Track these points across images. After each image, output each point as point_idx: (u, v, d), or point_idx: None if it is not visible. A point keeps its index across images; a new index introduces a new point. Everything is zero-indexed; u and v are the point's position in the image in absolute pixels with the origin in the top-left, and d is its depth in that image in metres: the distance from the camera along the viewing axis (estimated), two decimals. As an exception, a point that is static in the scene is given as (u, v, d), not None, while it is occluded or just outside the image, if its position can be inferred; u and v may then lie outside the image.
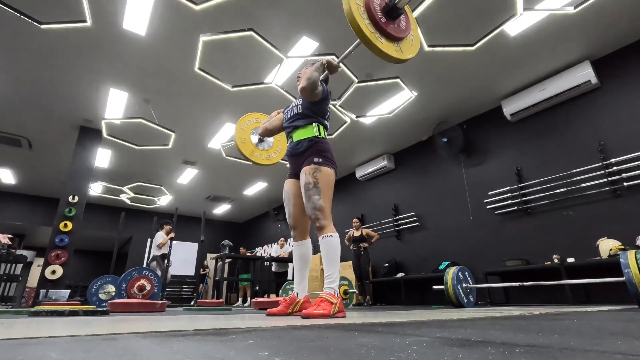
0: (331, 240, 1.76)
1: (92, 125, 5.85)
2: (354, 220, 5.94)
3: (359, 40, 1.70)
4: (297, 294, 1.95)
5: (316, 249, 8.44)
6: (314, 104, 2.04)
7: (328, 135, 2.13)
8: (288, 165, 2.16)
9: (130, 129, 5.87)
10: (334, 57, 2.04)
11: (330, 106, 2.24)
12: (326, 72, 2.06)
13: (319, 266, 6.98)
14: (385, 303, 6.17)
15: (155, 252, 6.06)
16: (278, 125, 2.28)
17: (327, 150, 1.97)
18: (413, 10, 3.50)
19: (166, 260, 6.32)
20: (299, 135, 2.01)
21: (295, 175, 2.06)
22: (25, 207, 9.23)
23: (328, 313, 1.57)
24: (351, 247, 5.83)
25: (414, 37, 1.91)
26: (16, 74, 4.59)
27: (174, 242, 6.46)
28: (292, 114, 2.11)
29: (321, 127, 2.02)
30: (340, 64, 2.07)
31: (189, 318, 1.72)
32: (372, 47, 1.65)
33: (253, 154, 2.53)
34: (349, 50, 2.00)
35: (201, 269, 6.45)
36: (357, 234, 5.83)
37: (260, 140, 2.58)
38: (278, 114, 2.38)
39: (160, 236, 6.25)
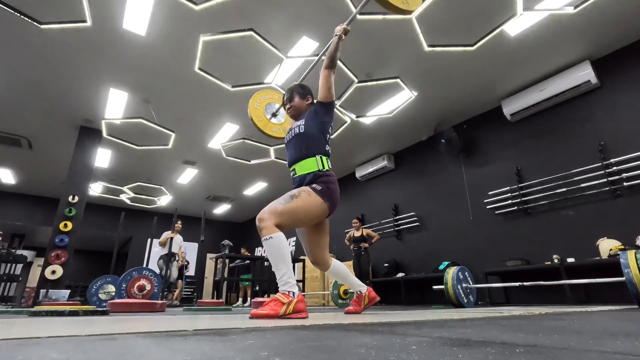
0: (272, 242, 1.62)
1: (92, 125, 5.85)
2: (353, 220, 5.93)
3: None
4: (360, 290, 2.12)
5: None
6: (322, 112, 1.98)
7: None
8: None
9: (130, 129, 5.87)
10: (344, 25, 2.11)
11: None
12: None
13: (319, 266, 6.97)
14: (385, 303, 6.17)
15: (161, 251, 6.10)
16: None
17: (331, 182, 1.86)
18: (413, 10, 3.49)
19: (173, 259, 6.31)
20: (301, 169, 1.90)
21: None
22: (25, 207, 9.23)
23: (275, 314, 1.48)
24: (351, 247, 5.82)
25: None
26: (16, 74, 4.59)
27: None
28: (293, 135, 1.99)
29: (324, 158, 1.92)
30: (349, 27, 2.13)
31: (189, 318, 1.71)
32: (380, 1, 1.74)
33: (268, 127, 2.60)
34: (358, 9, 2.09)
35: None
36: (357, 234, 5.82)
37: (274, 115, 2.64)
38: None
39: (164, 235, 6.26)
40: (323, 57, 2.09)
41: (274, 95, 2.74)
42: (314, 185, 1.81)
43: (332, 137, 2.08)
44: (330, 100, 2.02)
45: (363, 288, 2.12)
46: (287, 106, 2.14)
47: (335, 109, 2.12)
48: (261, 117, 2.59)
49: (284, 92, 2.29)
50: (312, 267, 7.02)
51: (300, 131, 1.95)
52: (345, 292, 5.04)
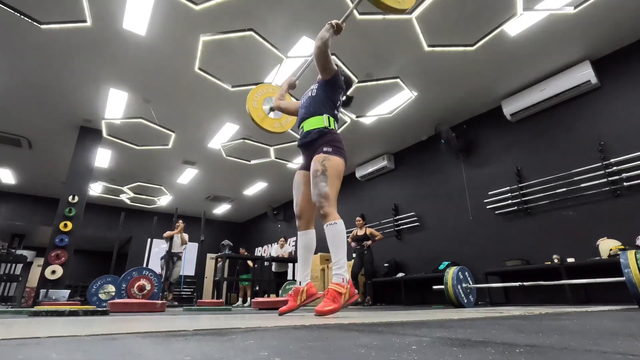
0: (336, 227, 1.77)
1: (92, 125, 5.85)
2: (357, 219, 5.87)
3: None
4: (300, 282, 1.98)
5: (317, 249, 8.43)
6: (328, 88, 2.10)
7: None
8: (301, 158, 2.22)
9: (130, 129, 5.87)
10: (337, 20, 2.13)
11: None
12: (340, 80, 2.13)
13: (319, 266, 6.98)
14: (385, 303, 6.17)
15: (162, 251, 6.12)
16: (292, 109, 2.39)
17: (337, 140, 2.00)
18: (413, 11, 3.50)
19: (175, 259, 6.31)
20: (309, 125, 2.06)
21: (306, 167, 2.09)
22: (25, 207, 9.23)
23: (339, 306, 1.60)
24: (352, 245, 5.75)
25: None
26: (16, 74, 4.59)
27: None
28: (306, 98, 2.18)
29: (331, 118, 2.07)
30: (344, 24, 2.15)
31: (189, 318, 1.72)
32: (376, 2, 1.77)
33: (266, 123, 2.63)
34: (352, 7, 2.12)
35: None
36: (360, 232, 5.76)
37: (272, 110, 2.67)
38: (289, 85, 2.52)
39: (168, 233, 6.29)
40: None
41: (269, 90, 2.75)
42: (325, 149, 1.94)
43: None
44: (331, 76, 2.09)
45: (304, 281, 1.98)
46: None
47: (341, 76, 2.20)
48: (260, 113, 2.62)
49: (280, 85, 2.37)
50: (312, 267, 7.00)
51: (312, 94, 2.14)
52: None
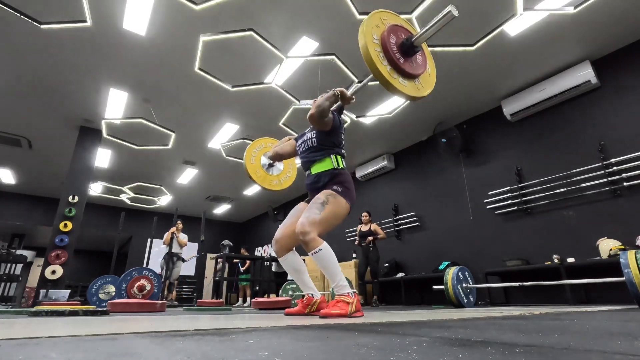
0: (322, 254, 1.72)
1: (92, 125, 5.85)
2: (363, 214, 5.78)
3: (370, 76, 1.66)
4: (313, 295, 1.97)
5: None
6: (327, 135, 2.02)
7: None
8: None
9: (130, 129, 5.87)
10: (346, 89, 1.95)
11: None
12: (339, 102, 1.98)
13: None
14: (385, 303, 6.17)
15: (163, 251, 6.13)
16: (289, 151, 2.30)
17: (348, 182, 1.94)
18: (413, 10, 3.50)
19: (175, 259, 6.30)
20: (317, 168, 1.99)
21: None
22: (25, 207, 9.23)
23: (345, 313, 1.60)
24: (356, 242, 5.65)
25: (430, 67, 1.83)
26: (16, 74, 4.59)
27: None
28: (306, 147, 2.08)
29: (339, 157, 2.00)
30: (354, 97, 1.96)
31: (189, 318, 1.71)
32: (394, 91, 1.59)
33: (267, 182, 2.57)
34: (363, 83, 2.00)
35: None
36: (365, 228, 5.65)
37: (270, 165, 2.60)
38: (289, 139, 2.40)
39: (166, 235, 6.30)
40: (336, 89, 1.95)
41: (267, 143, 2.67)
42: (334, 188, 1.88)
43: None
44: (329, 128, 1.99)
45: (316, 294, 2.00)
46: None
47: (338, 120, 2.09)
48: (258, 170, 2.54)
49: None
50: (312, 267, 7.02)
51: (313, 143, 2.04)
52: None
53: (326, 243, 1.75)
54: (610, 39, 4.04)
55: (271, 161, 2.56)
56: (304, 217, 1.78)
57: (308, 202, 2.04)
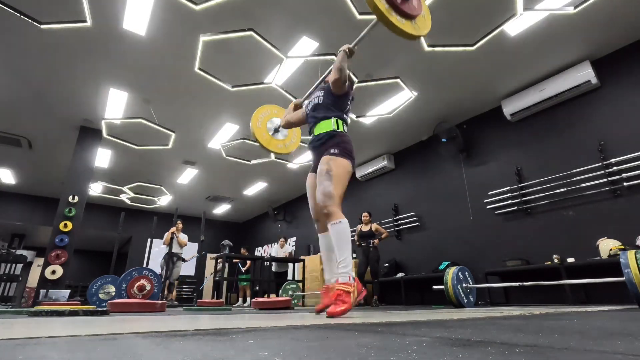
0: (340, 226, 1.78)
1: (92, 125, 5.85)
2: (363, 214, 5.76)
3: (375, 20, 1.78)
4: (329, 280, 2.05)
5: (316, 249, 8.39)
6: (336, 97, 2.13)
7: None
8: (311, 160, 2.23)
9: (130, 129, 5.87)
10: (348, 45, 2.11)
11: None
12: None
13: (320, 266, 6.98)
14: (385, 303, 6.17)
15: (162, 250, 6.13)
16: (301, 117, 2.37)
17: (345, 142, 2.03)
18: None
19: (175, 259, 6.30)
20: (319, 129, 2.10)
21: (316, 169, 2.09)
22: (25, 207, 9.23)
23: (350, 307, 1.61)
24: (357, 242, 5.61)
25: (425, 12, 2.00)
26: (16, 74, 4.59)
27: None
28: (313, 105, 2.20)
29: (340, 121, 2.10)
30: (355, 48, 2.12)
31: (189, 318, 1.72)
32: (393, 28, 1.72)
33: (272, 145, 2.66)
34: (365, 31, 2.05)
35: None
36: (365, 229, 5.62)
37: (276, 131, 2.69)
38: (295, 106, 2.50)
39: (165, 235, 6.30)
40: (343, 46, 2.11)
41: (273, 110, 2.77)
42: (332, 151, 1.96)
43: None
44: (344, 91, 2.13)
45: (333, 277, 1.96)
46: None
47: (351, 89, 2.24)
48: (264, 134, 2.64)
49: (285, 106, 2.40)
50: (312, 267, 7.02)
51: (319, 101, 2.17)
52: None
53: (346, 220, 1.81)
54: (610, 39, 4.04)
55: (277, 126, 2.68)
56: (319, 192, 1.87)
57: (313, 169, 2.14)
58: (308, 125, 2.24)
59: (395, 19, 1.71)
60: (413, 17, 1.81)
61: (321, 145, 2.05)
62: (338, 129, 2.07)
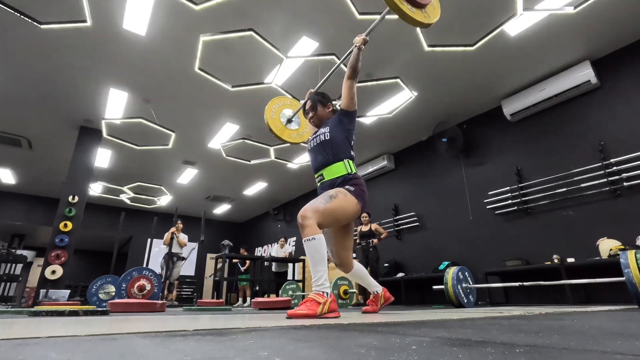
0: (315, 244, 1.68)
1: (92, 125, 5.85)
2: (363, 215, 5.73)
3: (387, 9, 1.85)
4: (377, 292, 2.23)
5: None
6: (346, 121, 2.04)
7: None
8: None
9: (130, 129, 5.87)
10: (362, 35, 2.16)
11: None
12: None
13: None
14: (385, 303, 6.16)
15: (162, 250, 6.13)
16: None
17: (361, 184, 1.94)
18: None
19: (175, 259, 6.30)
20: (330, 174, 1.96)
21: None
22: (25, 207, 9.23)
23: (314, 313, 1.53)
24: (357, 241, 5.59)
25: (435, 3, 2.10)
26: (16, 74, 4.59)
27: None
28: (320, 142, 2.03)
29: (351, 162, 2.00)
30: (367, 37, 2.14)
31: (189, 318, 1.72)
32: (404, 16, 1.82)
33: (286, 134, 2.68)
34: (379, 18, 2.07)
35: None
36: (365, 229, 5.64)
37: (289, 121, 2.72)
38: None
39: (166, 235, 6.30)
40: (342, 66, 2.11)
41: (286, 102, 2.81)
42: (347, 187, 1.88)
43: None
44: (353, 109, 2.08)
45: (379, 288, 2.23)
46: (310, 114, 2.22)
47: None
48: (278, 124, 2.67)
49: (305, 101, 2.33)
50: (309, 268, 7.01)
51: (326, 138, 2.01)
52: (346, 292, 5.04)
53: (322, 236, 1.71)
54: (610, 39, 4.04)
55: (289, 117, 2.68)
56: (308, 203, 1.77)
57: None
58: (312, 167, 2.09)
59: (406, 7, 1.80)
60: (423, 6, 1.90)
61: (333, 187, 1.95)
62: (352, 171, 1.96)
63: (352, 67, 2.04)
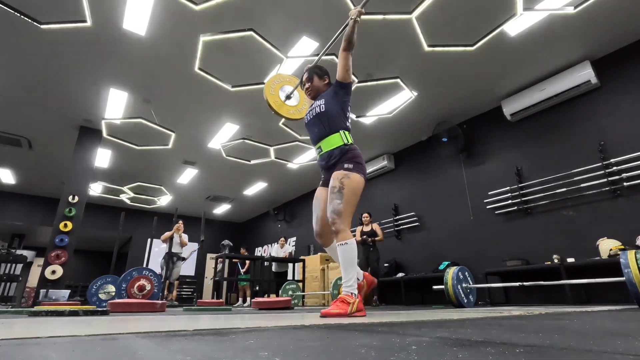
0: (348, 248, 1.79)
1: (92, 125, 5.85)
2: (364, 215, 5.79)
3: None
4: (358, 279, 2.04)
5: (316, 249, 8.38)
6: (342, 94, 2.07)
7: None
8: (322, 177, 2.16)
9: (130, 129, 5.87)
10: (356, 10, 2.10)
11: None
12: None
13: (319, 266, 6.98)
14: (385, 303, 6.17)
15: (163, 250, 6.13)
16: None
17: (358, 156, 1.99)
18: (413, 10, 3.50)
19: (175, 259, 6.30)
20: (328, 145, 2.03)
21: (327, 183, 2.05)
22: (25, 207, 9.23)
23: (345, 312, 1.64)
24: (359, 238, 5.60)
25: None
26: (16, 74, 4.59)
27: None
28: (316, 114, 2.09)
29: (347, 133, 2.05)
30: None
31: (189, 318, 1.72)
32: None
33: (284, 109, 2.71)
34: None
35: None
36: (366, 229, 5.68)
37: (288, 97, 2.74)
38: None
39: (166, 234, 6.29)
40: (352, 11, 2.10)
41: (285, 79, 2.83)
42: (345, 166, 1.93)
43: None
44: (349, 81, 2.11)
45: (360, 276, 2.08)
46: (306, 86, 2.26)
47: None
48: (277, 100, 2.70)
49: (302, 73, 2.34)
50: (312, 267, 7.02)
51: (322, 110, 2.06)
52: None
53: (354, 240, 1.83)
54: (610, 39, 4.04)
55: (288, 93, 2.70)
56: (329, 210, 1.85)
57: (324, 184, 2.09)
58: (310, 139, 2.17)
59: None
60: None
61: (333, 162, 2.01)
62: (348, 142, 2.01)
63: (348, 38, 2.04)
